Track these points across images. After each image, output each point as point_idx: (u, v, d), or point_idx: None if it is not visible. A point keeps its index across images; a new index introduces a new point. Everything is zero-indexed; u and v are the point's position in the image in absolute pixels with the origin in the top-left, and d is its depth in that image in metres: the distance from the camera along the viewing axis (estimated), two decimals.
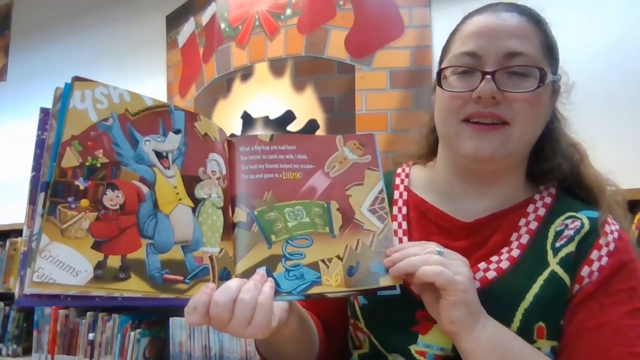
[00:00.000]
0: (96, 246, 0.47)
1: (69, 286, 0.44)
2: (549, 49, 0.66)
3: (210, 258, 0.55)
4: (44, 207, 0.45)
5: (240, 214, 0.59)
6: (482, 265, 0.64)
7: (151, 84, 2.47)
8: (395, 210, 0.73)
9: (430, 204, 0.71)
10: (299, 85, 1.93)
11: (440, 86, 0.66)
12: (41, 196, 0.45)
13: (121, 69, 2.60)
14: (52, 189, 0.46)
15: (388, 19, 1.85)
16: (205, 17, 2.27)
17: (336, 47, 1.89)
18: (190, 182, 0.56)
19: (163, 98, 2.40)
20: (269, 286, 0.54)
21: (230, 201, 0.60)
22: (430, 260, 0.56)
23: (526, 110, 0.62)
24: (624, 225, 0.68)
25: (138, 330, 2.01)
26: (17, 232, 2.51)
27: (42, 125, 0.51)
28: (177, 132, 0.56)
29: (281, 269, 0.57)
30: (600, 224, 0.65)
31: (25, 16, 3.06)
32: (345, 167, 0.64)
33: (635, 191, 1.31)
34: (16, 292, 0.43)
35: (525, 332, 0.60)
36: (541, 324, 0.61)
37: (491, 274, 0.63)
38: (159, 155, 0.54)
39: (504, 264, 0.64)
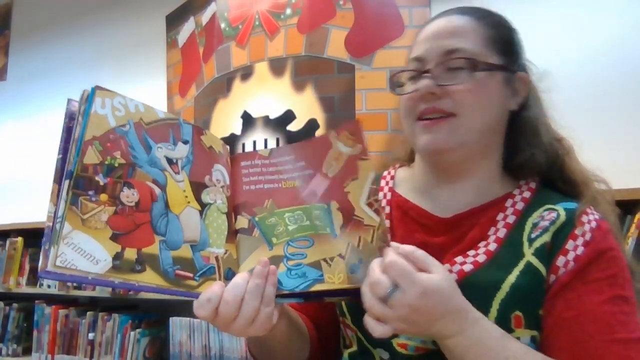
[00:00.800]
0: (114, 238, 0.51)
1: (89, 273, 0.47)
2: (496, 42, 0.68)
3: (216, 258, 0.58)
4: (67, 195, 0.49)
5: (242, 221, 0.63)
6: (459, 259, 0.65)
7: (151, 84, 2.47)
8: None
9: (412, 202, 0.73)
10: (299, 84, 1.93)
11: (393, 90, 0.72)
12: (66, 183, 0.49)
13: (121, 68, 2.60)
14: (74, 182, 0.50)
15: (388, 19, 1.85)
16: (205, 17, 2.27)
17: (336, 46, 1.89)
18: (197, 187, 0.60)
19: (163, 98, 2.40)
20: (272, 285, 0.56)
21: (233, 209, 0.63)
22: (372, 309, 0.55)
23: (468, 100, 0.65)
24: (611, 220, 0.67)
25: (138, 330, 2.01)
26: (17, 232, 2.51)
27: (69, 114, 0.54)
28: (185, 142, 0.61)
29: (283, 268, 0.59)
30: (577, 215, 0.64)
31: (25, 16, 3.06)
32: (341, 163, 0.65)
33: (635, 191, 1.31)
34: (40, 264, 0.46)
35: (503, 322, 0.60)
36: (518, 313, 0.61)
37: (468, 267, 0.64)
38: (169, 161, 0.59)
39: (481, 258, 0.65)
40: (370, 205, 0.62)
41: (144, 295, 2.03)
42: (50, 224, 0.48)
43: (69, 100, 0.55)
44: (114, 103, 0.55)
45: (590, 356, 0.57)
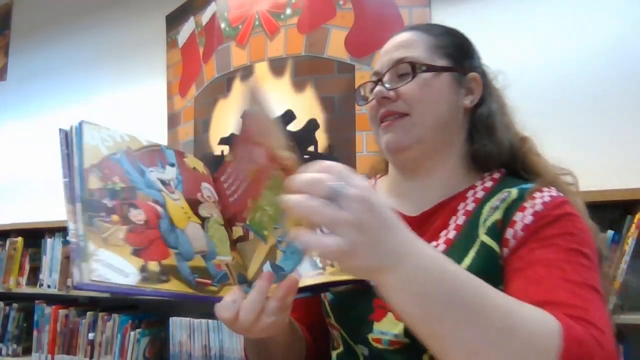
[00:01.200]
0: (135, 253, 0.53)
1: (123, 285, 0.50)
2: (442, 48, 0.75)
3: (227, 265, 0.62)
4: (82, 216, 0.51)
5: (238, 231, 0.66)
6: None
7: (151, 84, 2.47)
8: None
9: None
10: (299, 84, 1.94)
11: (358, 103, 0.83)
12: (78, 206, 0.52)
13: (121, 68, 2.60)
14: (86, 205, 0.53)
15: (388, 19, 1.85)
16: (205, 17, 2.27)
17: (336, 46, 1.89)
18: (193, 203, 0.64)
19: (163, 98, 2.40)
20: (287, 286, 0.55)
21: (227, 223, 0.67)
22: (314, 215, 0.43)
23: (417, 99, 0.72)
24: (579, 207, 0.67)
25: (138, 330, 2.01)
26: (17, 232, 2.51)
27: (64, 142, 0.57)
28: (172, 165, 0.65)
29: (279, 254, 0.61)
30: (529, 191, 0.66)
31: (25, 16, 3.06)
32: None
33: (635, 191, 1.31)
34: (75, 277, 0.48)
35: None
36: None
37: None
38: (162, 182, 0.62)
39: (441, 247, 0.67)
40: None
41: None
42: (76, 240, 0.50)
43: (61, 130, 0.57)
44: (101, 135, 0.59)
45: (540, 292, 0.55)
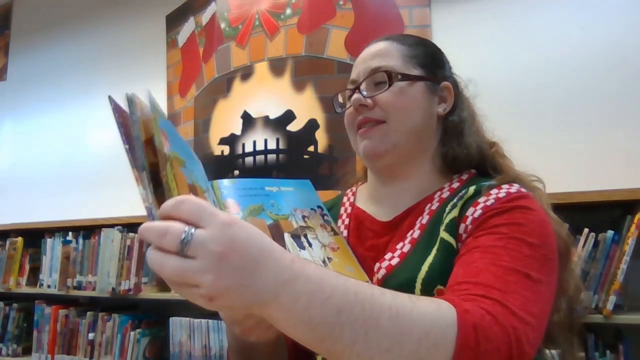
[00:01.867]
0: None
1: None
2: (416, 58, 0.78)
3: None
4: (150, 185, 0.50)
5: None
6: (388, 255, 0.71)
7: (151, 84, 2.47)
8: (339, 222, 0.84)
9: (367, 213, 0.81)
10: (299, 85, 1.94)
11: (336, 111, 0.85)
12: (143, 174, 0.50)
13: (121, 68, 2.60)
14: (150, 175, 0.50)
15: (388, 19, 1.85)
16: (205, 17, 2.27)
17: (336, 46, 1.89)
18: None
19: (163, 98, 2.40)
20: None
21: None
22: (163, 270, 0.42)
23: (393, 106, 0.75)
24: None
25: (138, 330, 2.01)
26: (17, 232, 2.51)
27: (117, 110, 0.56)
28: None
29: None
30: (485, 187, 0.68)
31: (25, 16, 3.06)
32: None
33: (635, 191, 1.31)
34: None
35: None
36: (440, 287, 0.64)
37: (395, 261, 0.70)
38: None
39: (406, 247, 0.70)
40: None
41: (144, 295, 2.03)
42: (147, 204, 0.49)
43: (111, 99, 0.56)
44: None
45: (469, 273, 0.56)
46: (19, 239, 2.48)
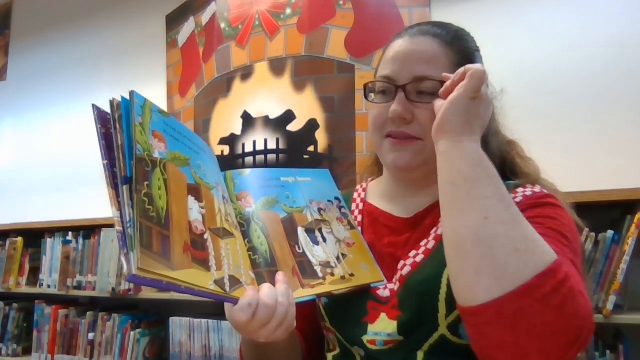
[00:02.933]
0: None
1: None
2: (461, 66, 0.71)
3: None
4: (131, 199, 0.48)
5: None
6: (413, 252, 0.70)
7: (151, 84, 2.47)
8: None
9: (381, 209, 0.79)
10: (299, 85, 1.93)
11: (366, 98, 0.77)
12: (125, 188, 0.49)
13: (121, 68, 2.60)
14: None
15: (388, 19, 1.85)
16: (205, 17, 2.27)
17: (336, 46, 1.89)
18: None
19: (163, 98, 2.40)
20: (291, 288, 0.60)
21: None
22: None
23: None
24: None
25: (138, 330, 2.01)
26: (17, 232, 2.51)
27: (100, 120, 0.54)
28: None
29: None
30: (511, 187, 0.69)
31: (25, 16, 3.06)
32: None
33: (635, 191, 1.31)
34: (125, 269, 0.46)
35: (453, 296, 0.60)
36: None
37: (420, 257, 0.69)
38: None
39: (431, 244, 0.70)
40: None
41: (144, 295, 2.04)
42: (121, 228, 0.47)
43: (95, 107, 0.54)
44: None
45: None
46: (19, 239, 2.48)
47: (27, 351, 2.36)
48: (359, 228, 0.78)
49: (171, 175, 0.53)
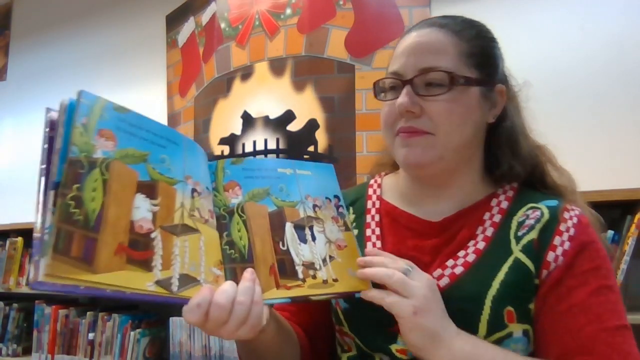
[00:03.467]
0: None
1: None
2: (473, 56, 0.69)
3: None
4: (54, 205, 0.47)
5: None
6: (450, 262, 0.67)
7: (151, 84, 2.47)
8: (368, 218, 0.77)
9: (401, 209, 0.75)
10: (299, 85, 1.93)
11: (376, 97, 0.75)
12: (51, 194, 0.47)
13: (121, 68, 2.60)
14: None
15: (388, 19, 1.85)
16: (205, 17, 2.27)
17: (336, 46, 1.89)
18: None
19: (163, 98, 2.40)
20: (258, 285, 0.57)
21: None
22: (392, 277, 0.60)
23: (445, 119, 0.66)
24: (590, 217, 0.70)
25: (138, 330, 2.01)
26: (17, 232, 2.51)
27: (49, 124, 0.52)
28: None
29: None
30: (559, 212, 0.68)
31: (25, 16, 3.06)
32: None
33: (635, 191, 1.31)
34: (31, 275, 0.46)
35: (496, 318, 0.63)
36: (510, 308, 0.63)
37: (459, 269, 0.67)
38: None
39: (470, 257, 0.67)
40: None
41: None
42: (40, 234, 0.46)
43: (48, 109, 0.53)
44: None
45: (582, 345, 0.60)
46: (19, 239, 2.48)
47: (27, 351, 2.36)
48: (375, 231, 0.75)
49: (115, 175, 0.51)
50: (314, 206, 0.70)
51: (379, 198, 0.79)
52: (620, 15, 1.56)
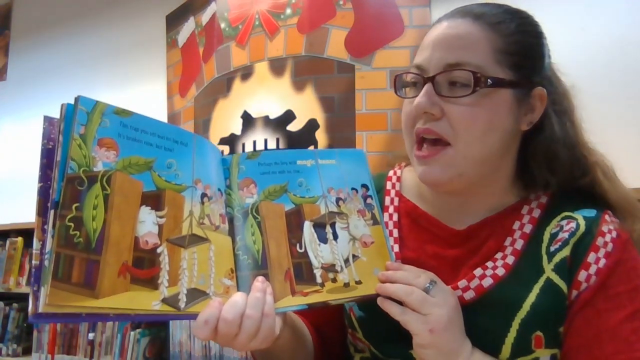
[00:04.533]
0: None
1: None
2: (509, 54, 0.60)
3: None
4: (54, 227, 0.44)
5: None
6: (478, 271, 0.62)
7: (151, 84, 2.47)
8: (386, 217, 0.71)
9: (423, 210, 0.69)
10: (299, 85, 1.93)
11: (397, 93, 0.67)
12: (51, 214, 0.45)
13: (121, 68, 2.60)
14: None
15: (388, 19, 1.85)
16: (205, 17, 2.27)
17: (336, 46, 1.89)
18: None
19: (163, 98, 2.40)
20: (269, 295, 0.55)
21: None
22: (411, 295, 0.57)
23: (467, 125, 0.59)
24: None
25: (138, 330, 2.01)
26: (17, 232, 2.51)
27: (47, 135, 0.49)
28: None
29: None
30: (597, 223, 0.61)
31: (25, 16, 3.06)
32: None
33: (635, 191, 1.31)
34: (30, 308, 0.43)
35: (523, 342, 0.59)
36: (539, 333, 0.58)
37: (487, 282, 0.61)
38: None
39: (500, 271, 0.61)
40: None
41: None
42: (38, 262, 0.43)
43: (46, 118, 0.49)
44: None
45: None
46: (19, 239, 2.48)
47: (27, 351, 2.36)
48: (393, 233, 0.69)
49: (117, 188, 0.48)
50: (338, 200, 0.64)
51: (398, 194, 0.72)
52: (621, 15, 1.56)
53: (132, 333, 2.01)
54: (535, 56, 0.64)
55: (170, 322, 1.92)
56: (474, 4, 0.65)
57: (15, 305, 2.43)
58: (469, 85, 0.58)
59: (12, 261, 2.44)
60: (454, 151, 0.60)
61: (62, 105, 0.48)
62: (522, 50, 0.62)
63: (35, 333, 2.28)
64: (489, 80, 0.58)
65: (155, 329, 2.08)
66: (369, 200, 0.66)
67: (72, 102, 0.48)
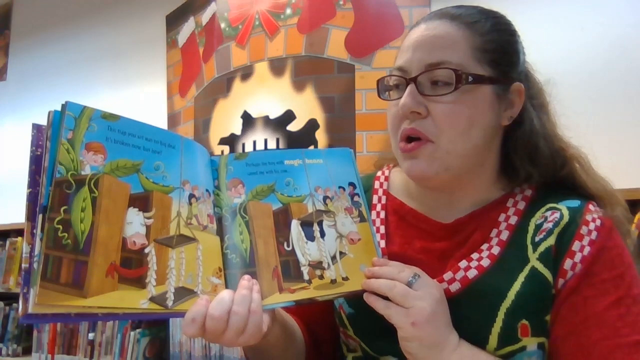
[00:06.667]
0: None
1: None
2: (487, 52, 0.63)
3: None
4: (42, 230, 0.45)
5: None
6: (463, 263, 0.63)
7: (151, 84, 2.47)
8: (373, 215, 0.73)
9: (410, 207, 0.71)
10: (299, 84, 1.93)
11: (380, 96, 0.69)
12: (39, 218, 0.46)
13: (121, 68, 2.60)
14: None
15: (388, 19, 1.85)
16: (205, 17, 2.27)
17: (336, 46, 1.89)
18: None
19: (163, 98, 2.41)
20: (257, 292, 0.56)
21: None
22: (393, 289, 0.58)
23: (450, 122, 0.61)
24: (622, 221, 0.65)
25: (138, 330, 2.01)
26: (17, 232, 2.51)
27: (36, 142, 0.50)
28: None
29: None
30: (580, 213, 0.62)
31: (25, 16, 3.06)
32: None
33: (635, 191, 1.31)
34: (20, 309, 0.44)
35: (509, 332, 0.59)
36: (524, 321, 0.59)
37: (472, 273, 0.62)
38: None
39: (485, 262, 0.63)
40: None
41: None
42: (27, 265, 0.44)
43: (35, 125, 0.50)
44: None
45: None
46: (19, 239, 2.48)
47: (27, 351, 2.36)
48: (380, 229, 0.70)
49: (105, 191, 0.49)
50: (325, 198, 0.65)
51: (386, 193, 0.75)
52: (621, 15, 1.56)
53: (132, 333, 2.01)
54: (511, 53, 0.66)
55: (170, 322, 1.92)
56: (449, 6, 0.67)
57: (15, 305, 2.44)
58: (450, 83, 0.60)
59: (12, 261, 2.44)
60: (438, 147, 0.62)
61: (49, 112, 0.49)
62: (498, 48, 0.64)
63: (35, 333, 2.28)
64: (469, 77, 0.60)
65: (155, 329, 2.08)
66: (356, 198, 0.67)
67: (70, 103, 0.50)
